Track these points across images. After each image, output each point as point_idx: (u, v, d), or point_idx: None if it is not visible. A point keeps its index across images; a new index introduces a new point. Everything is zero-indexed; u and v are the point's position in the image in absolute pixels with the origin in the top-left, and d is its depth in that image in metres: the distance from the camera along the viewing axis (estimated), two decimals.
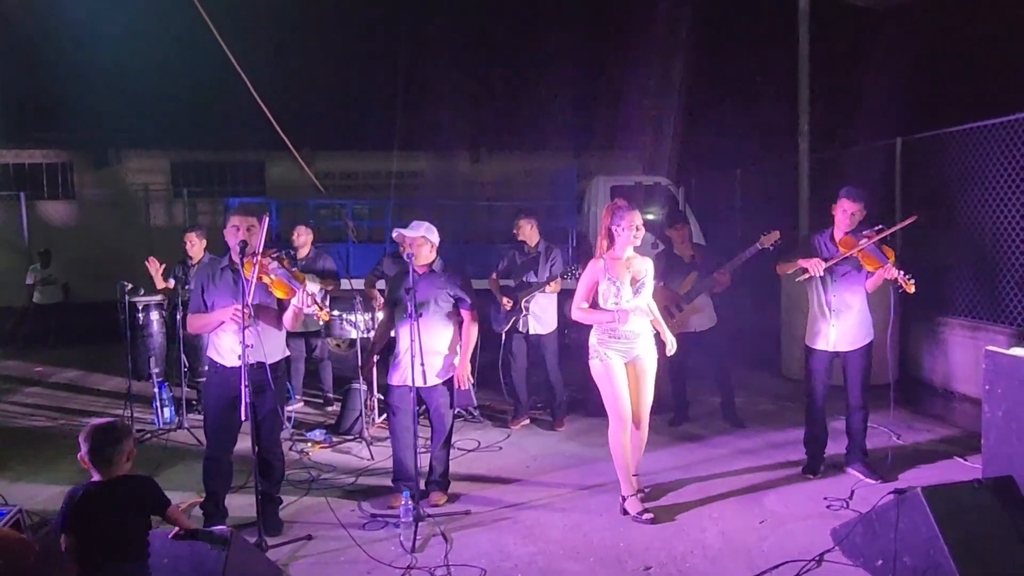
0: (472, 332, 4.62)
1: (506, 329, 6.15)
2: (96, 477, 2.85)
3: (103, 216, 13.45)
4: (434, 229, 4.60)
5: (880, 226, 4.59)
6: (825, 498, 4.48)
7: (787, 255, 4.97)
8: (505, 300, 6.08)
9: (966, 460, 5.06)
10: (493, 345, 6.42)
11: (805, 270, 4.67)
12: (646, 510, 4.29)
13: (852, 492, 4.54)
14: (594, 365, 4.34)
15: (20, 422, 6.72)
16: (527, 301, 6.04)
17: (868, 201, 4.68)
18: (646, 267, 4.39)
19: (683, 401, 6.31)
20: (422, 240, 4.53)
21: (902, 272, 4.40)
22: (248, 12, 10.13)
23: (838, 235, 4.72)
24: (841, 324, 4.68)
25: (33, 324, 11.21)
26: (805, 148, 8.29)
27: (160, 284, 6.68)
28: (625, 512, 4.32)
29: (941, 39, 10.11)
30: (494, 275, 6.33)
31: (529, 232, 6.17)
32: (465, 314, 4.59)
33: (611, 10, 13.49)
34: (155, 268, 6.60)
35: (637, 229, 4.26)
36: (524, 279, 6.10)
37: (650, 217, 10.43)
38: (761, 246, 5.68)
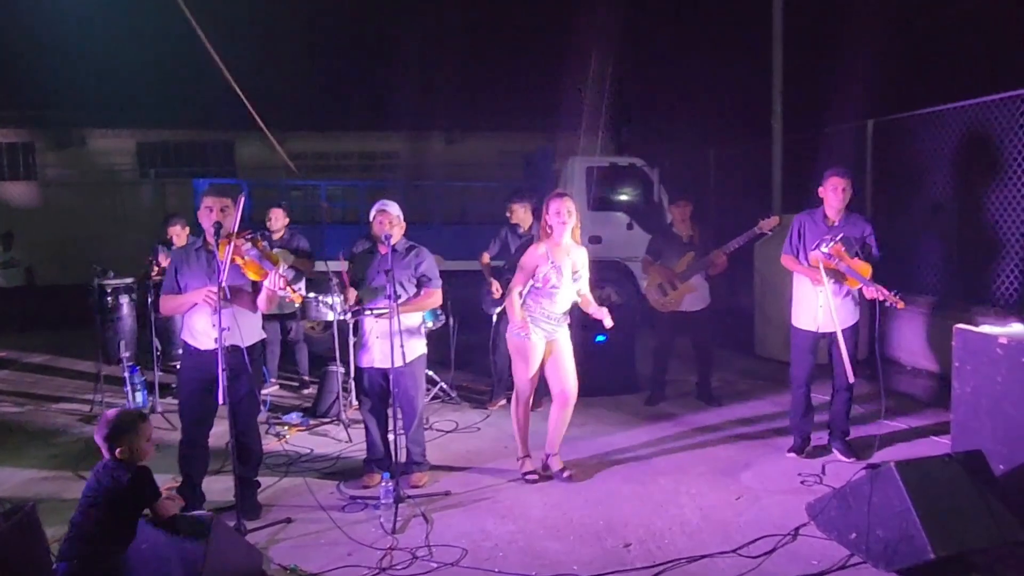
0: (430, 299, 4.60)
1: (498, 311, 6.12)
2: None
3: (67, 197, 13.13)
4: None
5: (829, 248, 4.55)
6: (799, 474, 4.57)
7: (787, 247, 4.96)
8: (495, 286, 6.02)
9: (937, 438, 5.17)
10: (480, 326, 6.38)
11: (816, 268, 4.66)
12: (534, 472, 4.56)
13: (823, 467, 4.63)
14: (516, 336, 4.49)
15: None
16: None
17: (852, 176, 4.73)
18: (582, 257, 4.55)
19: (661, 380, 6.37)
20: (397, 219, 4.50)
21: (892, 292, 4.35)
22: None
23: (831, 213, 4.75)
24: (831, 304, 4.66)
25: None
26: (779, 129, 8.36)
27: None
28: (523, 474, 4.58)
29: (913, 20, 10.22)
30: (486, 256, 6.27)
31: (523, 215, 6.15)
32: (428, 292, 4.59)
33: None
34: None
35: (561, 214, 4.38)
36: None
37: (624, 198, 10.45)
38: (759, 230, 5.70)
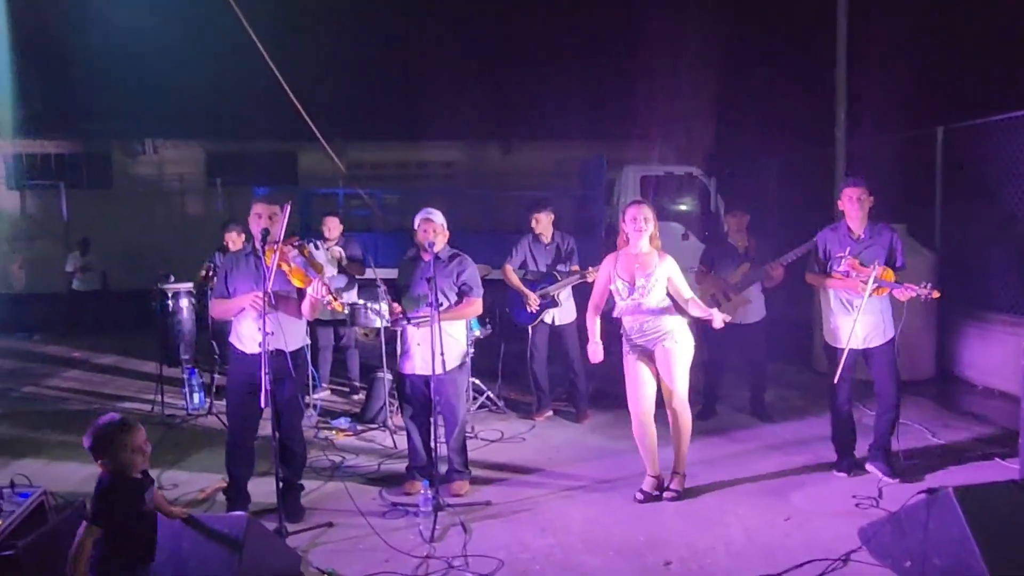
0: (470, 307, 4.59)
1: (535, 324, 6.09)
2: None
3: (140, 205, 13.70)
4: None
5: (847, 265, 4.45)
6: (853, 496, 4.36)
7: (812, 265, 4.85)
8: (532, 299, 5.96)
9: (1004, 461, 4.89)
10: (519, 337, 6.36)
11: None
12: (642, 491, 4.38)
13: (880, 491, 4.41)
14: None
15: (57, 406, 6.88)
16: (558, 293, 5.98)
17: (869, 185, 4.57)
18: (667, 265, 4.35)
19: (714, 394, 6.21)
20: (441, 227, 4.52)
21: (922, 284, 4.23)
22: (280, 4, 10.21)
23: (853, 226, 4.60)
24: (864, 321, 4.51)
25: (72, 310, 11.49)
26: (842, 137, 8.08)
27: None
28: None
29: (986, 21, 9.75)
30: (509, 267, 6.14)
31: (547, 224, 6.10)
32: (468, 300, 4.58)
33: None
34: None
35: (638, 221, 4.29)
36: (556, 271, 6.03)
37: (682, 208, 10.29)
38: None
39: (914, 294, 4.25)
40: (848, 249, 4.51)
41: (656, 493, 4.40)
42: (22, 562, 2.78)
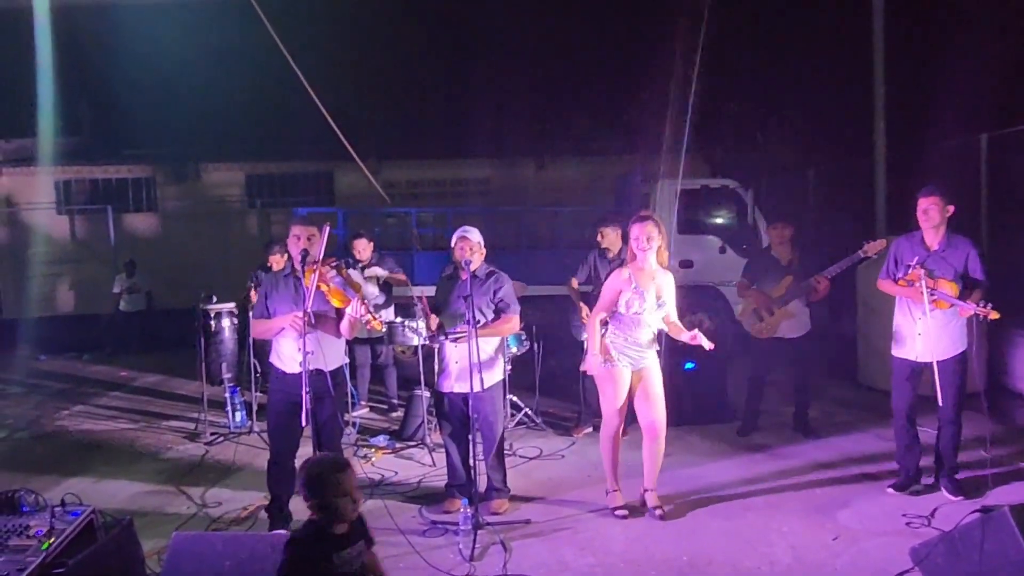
0: (507, 324, 4.59)
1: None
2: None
3: (183, 227, 14.03)
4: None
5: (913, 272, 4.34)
6: (904, 515, 4.24)
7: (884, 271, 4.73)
8: (585, 311, 5.88)
9: None
10: (566, 352, 6.31)
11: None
12: (623, 507, 4.39)
13: (934, 510, 4.28)
14: (597, 365, 4.39)
15: (105, 424, 7.04)
16: None
17: (945, 194, 4.41)
18: (668, 283, 4.41)
19: (755, 410, 6.11)
20: (478, 245, 4.54)
21: (981, 303, 4.16)
22: (314, 27, 10.43)
23: (927, 237, 4.48)
24: (929, 332, 4.38)
25: (119, 331, 11.78)
26: (881, 146, 7.94)
27: None
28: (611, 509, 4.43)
29: None
30: (574, 281, 6.22)
31: (614, 239, 6.07)
32: (506, 318, 4.57)
33: (677, 10, 13.27)
34: None
35: (645, 240, 4.28)
36: None
37: (719, 221, 10.17)
38: (864, 254, 5.37)
39: (972, 312, 4.17)
40: (916, 258, 4.39)
41: (639, 507, 4.44)
42: None
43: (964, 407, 4.53)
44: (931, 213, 4.39)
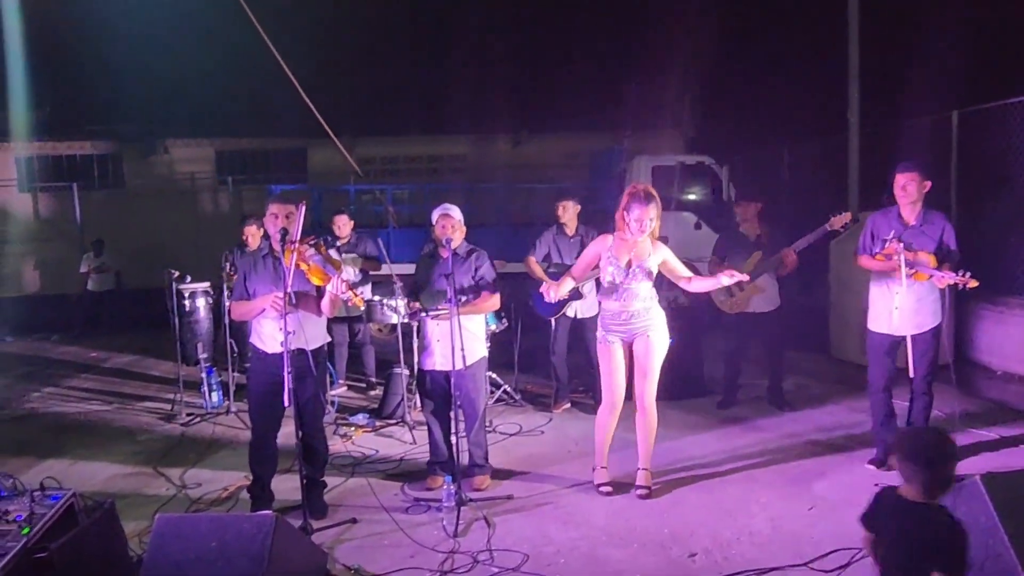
0: (487, 302, 4.59)
1: (557, 316, 6.08)
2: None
3: (152, 205, 13.75)
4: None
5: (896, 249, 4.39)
6: (876, 484, 4.31)
7: (860, 247, 4.76)
8: (554, 288, 5.90)
9: None
10: (544, 329, 6.34)
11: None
12: (608, 484, 4.41)
13: None
14: (600, 345, 4.43)
15: (77, 407, 6.93)
16: (582, 285, 5.94)
17: (923, 170, 4.45)
18: (660, 252, 4.33)
19: (734, 384, 6.20)
20: (459, 223, 4.52)
21: (959, 273, 4.17)
22: (287, 1, 10.19)
23: (904, 212, 4.52)
24: (906, 306, 4.45)
25: (88, 311, 11.57)
26: (855, 122, 8.02)
27: None
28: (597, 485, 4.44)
29: (999, 3, 9.63)
30: (531, 259, 6.10)
31: (572, 215, 6.08)
32: (485, 295, 4.58)
33: None
34: None
35: (643, 223, 4.20)
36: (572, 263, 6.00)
37: (694, 197, 10.24)
38: (830, 227, 5.45)
39: (951, 281, 4.19)
40: (893, 232, 4.45)
41: (619, 481, 4.46)
42: (55, 564, 2.81)
43: (934, 377, 4.63)
44: (909, 189, 4.43)
